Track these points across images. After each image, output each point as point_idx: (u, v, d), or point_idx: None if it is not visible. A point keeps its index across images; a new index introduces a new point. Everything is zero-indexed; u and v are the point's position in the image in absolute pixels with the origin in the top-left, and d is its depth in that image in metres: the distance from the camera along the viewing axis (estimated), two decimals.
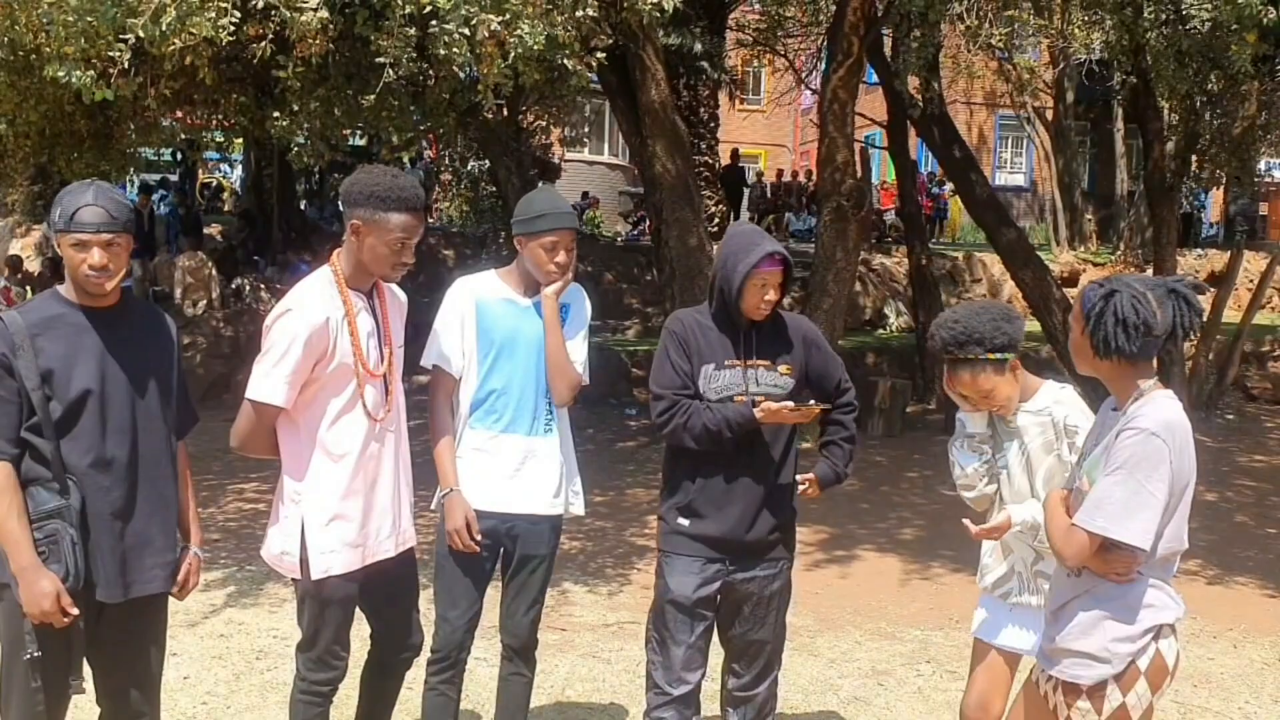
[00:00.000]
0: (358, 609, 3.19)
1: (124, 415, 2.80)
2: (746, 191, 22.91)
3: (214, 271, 14.01)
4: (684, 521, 3.32)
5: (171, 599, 2.98)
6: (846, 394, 3.46)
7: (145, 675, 2.93)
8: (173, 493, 2.95)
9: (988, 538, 3.03)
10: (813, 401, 3.26)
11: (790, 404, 3.19)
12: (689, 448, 3.27)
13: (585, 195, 22.88)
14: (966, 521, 2.99)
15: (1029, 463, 2.95)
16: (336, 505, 3.02)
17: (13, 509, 2.66)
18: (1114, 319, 2.40)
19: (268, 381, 2.95)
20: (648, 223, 17.76)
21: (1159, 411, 2.41)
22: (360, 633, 3.20)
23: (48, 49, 5.37)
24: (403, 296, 3.29)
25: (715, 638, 3.45)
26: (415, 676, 3.43)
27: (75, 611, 2.68)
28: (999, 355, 2.88)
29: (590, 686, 4.64)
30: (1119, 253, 19.12)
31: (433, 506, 3.37)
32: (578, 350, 3.47)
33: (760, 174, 25.77)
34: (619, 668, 4.85)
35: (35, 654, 2.69)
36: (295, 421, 3.03)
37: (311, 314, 2.95)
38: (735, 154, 22.59)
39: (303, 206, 20.13)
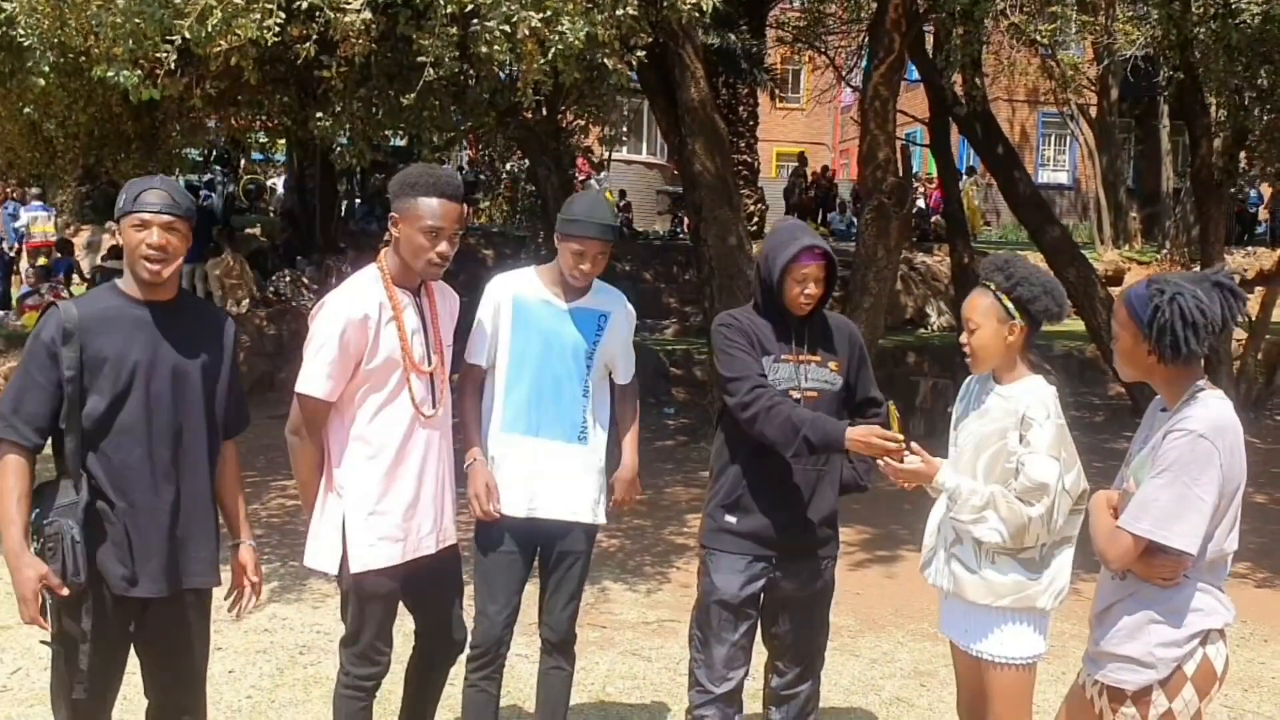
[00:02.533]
0: (402, 605, 3.22)
1: (171, 412, 2.82)
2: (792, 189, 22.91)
3: (248, 269, 14.14)
4: (731, 519, 3.30)
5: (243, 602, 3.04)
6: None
7: (190, 670, 2.96)
8: (213, 493, 2.96)
9: (897, 475, 2.90)
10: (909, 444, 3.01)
11: (893, 446, 2.92)
12: (755, 438, 3.17)
13: (623, 194, 22.88)
14: (883, 461, 2.89)
15: (980, 440, 2.89)
16: (376, 499, 3.04)
17: (14, 492, 2.69)
18: (1182, 322, 2.35)
19: (307, 373, 3.00)
20: (686, 222, 17.75)
21: (1209, 413, 2.37)
22: (404, 627, 3.22)
23: (96, 50, 5.45)
24: (454, 297, 3.29)
25: (758, 636, 3.45)
26: (455, 673, 3.45)
27: (65, 592, 2.68)
28: (1008, 305, 2.81)
29: (631, 684, 4.64)
30: (1164, 251, 18.84)
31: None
32: (624, 357, 3.48)
33: (799, 169, 25.66)
34: (659, 665, 4.85)
35: (52, 645, 2.78)
36: (341, 416, 3.06)
37: (349, 309, 2.98)
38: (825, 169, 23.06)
39: (344, 206, 20.29)
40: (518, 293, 3.39)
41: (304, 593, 5.67)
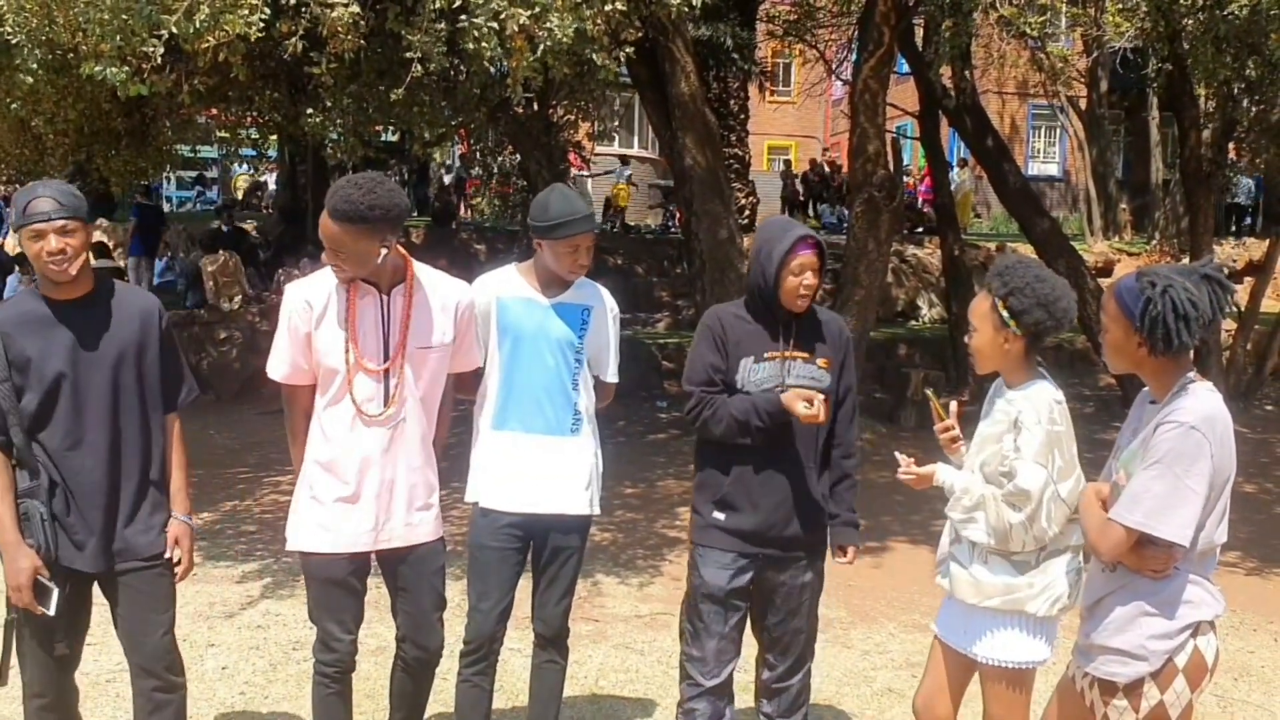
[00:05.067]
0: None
1: (101, 398, 3.01)
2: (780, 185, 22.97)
3: (242, 267, 14.11)
4: (719, 515, 3.31)
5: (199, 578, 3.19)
6: (848, 429, 3.41)
7: (155, 637, 3.12)
8: (156, 468, 3.13)
9: (907, 477, 2.96)
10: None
11: (819, 394, 3.13)
12: (720, 440, 3.26)
13: (625, 161, 22.94)
14: (898, 454, 2.97)
15: (981, 442, 2.90)
16: (317, 487, 3.15)
17: None
18: (1174, 315, 2.36)
19: (271, 355, 3.18)
20: (677, 216, 17.73)
21: (1199, 405, 2.38)
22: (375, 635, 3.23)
23: (84, 47, 5.44)
24: (454, 298, 3.25)
25: (748, 629, 3.46)
26: (449, 668, 3.46)
27: (53, 587, 2.92)
28: (1006, 312, 2.78)
29: (623, 677, 4.66)
30: (1154, 243, 18.88)
31: (467, 499, 3.39)
32: (606, 351, 3.48)
33: (789, 164, 25.67)
34: (652, 659, 4.86)
35: (11, 617, 3.00)
36: (313, 400, 3.18)
37: (295, 296, 3.13)
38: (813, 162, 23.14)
39: None
40: (499, 294, 3.40)
41: (296, 589, 5.66)
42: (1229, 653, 4.75)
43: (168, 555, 3.14)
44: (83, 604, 3.09)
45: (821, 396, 3.15)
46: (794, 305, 3.25)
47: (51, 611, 2.93)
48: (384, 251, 3.04)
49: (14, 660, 3.05)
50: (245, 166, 22.60)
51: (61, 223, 2.90)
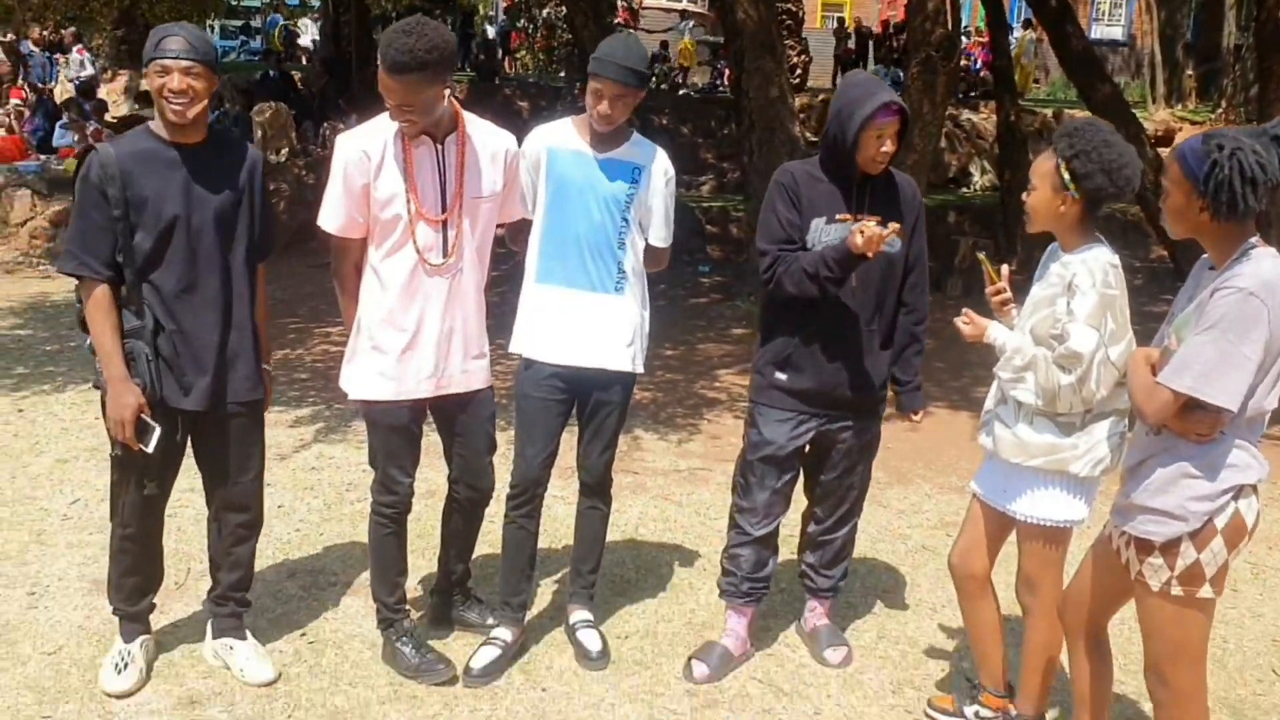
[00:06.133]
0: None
1: (213, 243, 3.05)
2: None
3: (291, 121, 14.04)
4: (781, 375, 3.34)
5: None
6: (920, 295, 3.39)
7: (245, 476, 3.30)
8: (257, 316, 3.23)
9: (964, 328, 2.95)
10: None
11: (887, 229, 3.04)
12: (792, 298, 3.23)
13: (664, 45, 22.30)
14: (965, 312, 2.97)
15: (1035, 304, 2.87)
16: (377, 335, 3.19)
17: (107, 325, 2.98)
18: (1241, 178, 2.29)
19: (322, 209, 3.16)
20: (726, 74, 17.31)
21: (1260, 270, 2.34)
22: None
23: None
24: (501, 147, 3.25)
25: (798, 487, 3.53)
26: (496, 511, 3.58)
27: (155, 425, 3.01)
28: (1068, 174, 2.73)
29: (661, 526, 4.79)
30: (1220, 111, 18.21)
31: (511, 350, 3.45)
32: (656, 214, 3.44)
33: (842, 21, 24.83)
34: (689, 510, 4.99)
35: (115, 454, 3.11)
36: (368, 252, 3.19)
37: (350, 146, 3.09)
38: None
39: None
40: (552, 144, 3.37)
41: (348, 434, 5.83)
42: (1266, 523, 4.79)
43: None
44: (179, 444, 3.18)
45: (881, 229, 3.04)
46: (871, 168, 3.19)
47: (150, 449, 3.04)
48: (447, 92, 3.03)
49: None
50: (286, 19, 22.29)
51: (188, 64, 2.92)
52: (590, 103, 3.28)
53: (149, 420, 3.02)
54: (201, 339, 3.07)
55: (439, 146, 3.13)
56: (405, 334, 3.18)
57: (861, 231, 3.03)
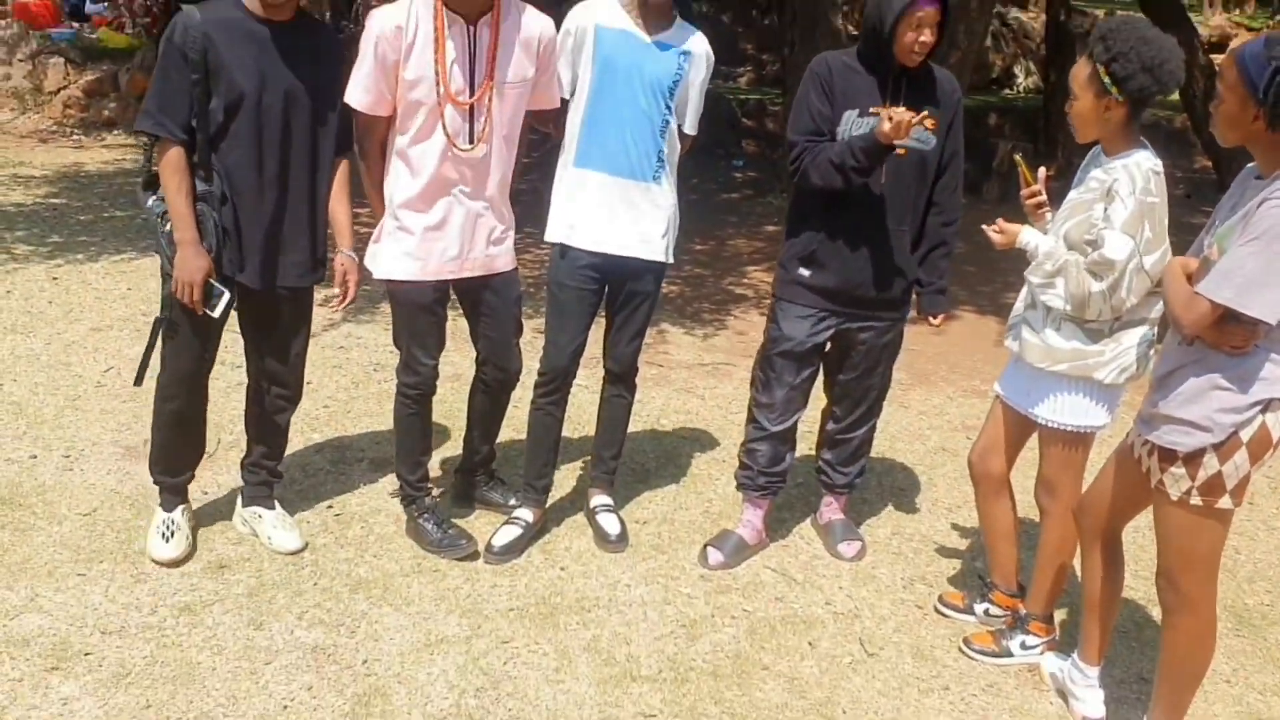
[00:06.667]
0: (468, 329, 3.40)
1: (278, 124, 3.04)
2: None
3: None
4: (804, 271, 3.32)
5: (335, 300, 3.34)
6: (951, 195, 3.32)
7: (288, 353, 3.37)
8: (320, 205, 3.21)
9: (995, 236, 2.93)
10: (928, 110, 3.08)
11: (915, 114, 2.99)
12: (818, 190, 3.19)
13: None
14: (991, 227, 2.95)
15: (1071, 209, 2.83)
16: (404, 218, 3.19)
17: (182, 188, 2.99)
18: None
19: (350, 85, 3.11)
20: None
21: None
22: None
23: None
24: (536, 32, 3.18)
25: (817, 384, 3.54)
26: (523, 397, 3.62)
27: (224, 290, 3.04)
28: (1108, 78, 2.67)
29: (683, 418, 4.84)
30: (1279, 16, 17.60)
31: (546, 239, 3.43)
32: (695, 103, 3.39)
33: None
34: (711, 403, 5.03)
35: (166, 316, 3.13)
36: (394, 131, 3.16)
37: (383, 20, 3.04)
38: None
39: None
40: (600, 21, 3.27)
41: (375, 315, 5.88)
42: None
43: (335, 287, 3.29)
44: (226, 314, 3.20)
45: (913, 116, 2.99)
46: (908, 60, 3.12)
47: (216, 314, 3.07)
48: None
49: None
50: None
51: None
52: None
53: (217, 284, 3.04)
54: (258, 217, 3.08)
55: (471, 28, 3.07)
56: (432, 216, 3.19)
57: (889, 118, 2.97)
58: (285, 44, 3.02)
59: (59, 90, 12.04)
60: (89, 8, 14.03)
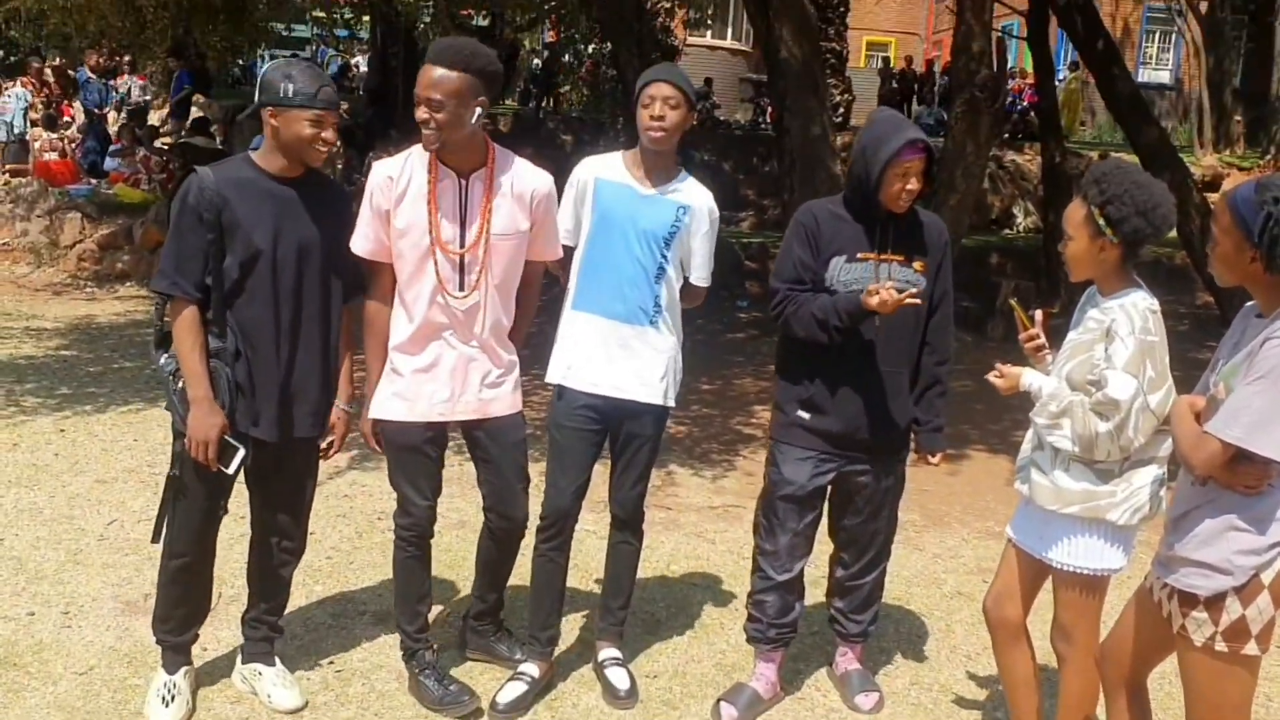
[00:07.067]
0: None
1: (292, 278, 3.09)
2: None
3: (340, 149, 14.24)
4: (804, 414, 3.30)
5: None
6: (943, 335, 3.34)
7: (296, 505, 3.37)
8: (331, 353, 3.24)
9: (997, 381, 2.92)
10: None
11: (905, 291, 3.04)
12: (803, 339, 3.22)
13: (709, 82, 22.40)
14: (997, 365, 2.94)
15: (1072, 349, 2.82)
16: (396, 358, 3.24)
17: (196, 346, 3.01)
18: None
19: (355, 231, 3.20)
20: (769, 111, 17.34)
21: None
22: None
23: None
24: (531, 187, 3.23)
25: (822, 528, 3.48)
26: (527, 543, 3.56)
27: (239, 447, 3.03)
28: (1103, 219, 2.69)
29: (694, 564, 4.75)
30: (1268, 157, 18.00)
31: (547, 380, 3.44)
32: (698, 254, 3.44)
33: (887, 60, 24.86)
34: (722, 548, 4.94)
35: (174, 474, 3.12)
36: (394, 282, 3.23)
37: (379, 172, 3.16)
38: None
39: None
40: (600, 175, 3.38)
41: (381, 463, 5.82)
42: None
43: (325, 440, 3.29)
44: (239, 470, 3.20)
45: (897, 290, 3.03)
46: (895, 207, 3.17)
47: (231, 470, 3.05)
48: (478, 112, 3.04)
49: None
50: (335, 50, 22.63)
51: (336, 115, 3.06)
52: (642, 120, 3.29)
53: (233, 441, 3.04)
54: (273, 370, 3.11)
55: (464, 181, 3.15)
56: (422, 359, 3.22)
57: (878, 293, 3.00)
58: (297, 200, 3.10)
59: (74, 244, 12.32)
60: (108, 164, 14.48)
